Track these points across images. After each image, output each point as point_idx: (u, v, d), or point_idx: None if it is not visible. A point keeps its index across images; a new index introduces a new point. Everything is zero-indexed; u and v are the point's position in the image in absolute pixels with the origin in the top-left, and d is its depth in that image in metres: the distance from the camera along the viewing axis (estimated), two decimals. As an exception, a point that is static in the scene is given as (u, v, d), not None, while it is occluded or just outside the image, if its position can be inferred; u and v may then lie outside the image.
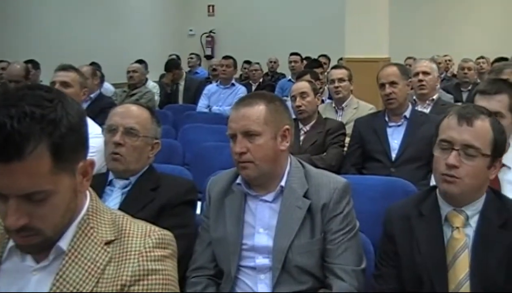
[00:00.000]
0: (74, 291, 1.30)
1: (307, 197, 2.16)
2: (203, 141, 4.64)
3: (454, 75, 8.96)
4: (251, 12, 12.60)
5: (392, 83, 3.86)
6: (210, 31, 13.37)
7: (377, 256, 2.18)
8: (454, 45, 10.86)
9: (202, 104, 6.88)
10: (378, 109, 4.55)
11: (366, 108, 4.81)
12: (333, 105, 4.99)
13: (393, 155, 3.77)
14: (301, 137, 4.17)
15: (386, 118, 3.91)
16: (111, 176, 2.53)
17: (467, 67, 7.32)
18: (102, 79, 6.61)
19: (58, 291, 1.31)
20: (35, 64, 7.40)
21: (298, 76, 5.57)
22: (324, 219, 2.14)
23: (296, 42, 10.41)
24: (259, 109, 2.17)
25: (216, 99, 6.89)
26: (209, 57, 12.67)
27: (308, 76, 5.31)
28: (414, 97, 4.75)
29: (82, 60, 6.28)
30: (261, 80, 9.15)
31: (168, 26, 12.56)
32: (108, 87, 7.81)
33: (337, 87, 4.88)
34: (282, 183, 2.19)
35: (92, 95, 5.25)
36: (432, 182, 2.54)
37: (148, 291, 1.32)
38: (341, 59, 8.16)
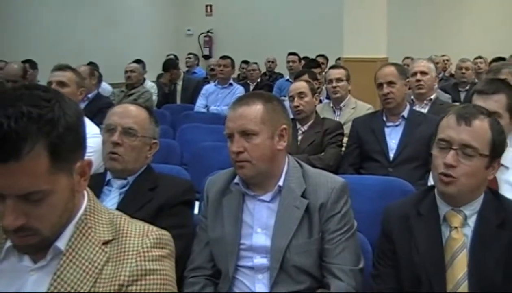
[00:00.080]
0: (72, 291, 1.30)
1: (305, 196, 2.16)
2: (201, 141, 4.64)
3: (452, 75, 8.97)
4: (249, 12, 12.59)
5: (390, 83, 3.86)
6: (208, 31, 13.36)
7: (375, 255, 2.18)
8: (452, 45, 10.87)
9: (200, 104, 6.87)
10: (376, 109, 4.55)
11: (364, 108, 4.81)
12: (331, 105, 4.99)
13: (391, 155, 3.77)
14: (299, 137, 4.17)
15: (384, 118, 3.91)
16: (109, 176, 2.53)
17: (465, 67, 7.33)
18: (100, 79, 6.60)
19: (55, 291, 1.30)
20: (32, 64, 7.40)
21: (296, 76, 5.57)
22: (322, 218, 2.14)
23: (294, 42, 10.41)
24: (256, 108, 2.18)
25: (214, 99, 6.88)
26: (207, 57, 12.67)
27: (306, 76, 5.31)
28: (412, 97, 4.76)
29: (80, 60, 6.28)
30: (259, 80, 9.15)
31: (166, 26, 12.55)
32: (106, 87, 7.80)
33: (335, 87, 4.88)
34: (280, 183, 2.19)
35: (90, 95, 5.25)
36: (430, 182, 2.54)
37: (146, 291, 1.32)
38: (339, 59, 8.17)
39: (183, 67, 9.78)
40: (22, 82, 5.07)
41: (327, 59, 9.77)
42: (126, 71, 7.17)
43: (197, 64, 11.03)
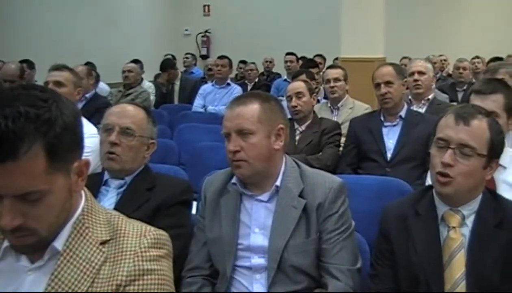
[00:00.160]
0: (69, 291, 1.30)
1: (303, 196, 2.16)
2: (198, 141, 4.63)
3: (449, 75, 8.98)
4: (247, 12, 12.60)
5: (388, 83, 3.86)
6: (206, 31, 13.36)
7: (373, 255, 2.18)
8: (449, 45, 10.88)
9: (197, 104, 6.88)
10: (373, 109, 4.55)
11: (361, 108, 4.81)
12: (329, 105, 5.00)
13: (389, 155, 3.77)
14: (297, 137, 4.17)
15: (382, 118, 3.91)
16: (106, 176, 2.52)
17: (462, 67, 7.34)
18: (97, 79, 6.60)
19: (53, 291, 1.30)
20: (30, 64, 7.38)
21: (294, 76, 5.57)
22: (320, 218, 2.14)
23: (292, 42, 10.42)
24: (253, 108, 2.18)
25: (211, 99, 6.88)
26: (204, 57, 12.67)
27: (303, 76, 5.31)
28: (410, 97, 4.76)
29: (77, 60, 6.27)
30: (256, 80, 9.16)
31: (164, 26, 12.55)
32: (103, 87, 7.80)
33: (332, 87, 4.88)
34: (278, 183, 2.19)
35: (87, 95, 5.25)
36: (428, 182, 2.54)
37: (144, 291, 1.32)
38: (336, 59, 8.17)
39: (180, 67, 9.77)
40: (20, 82, 5.06)
41: (324, 59, 9.78)
42: (123, 71, 7.17)
43: (195, 64, 11.03)
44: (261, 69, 10.06)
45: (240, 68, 10.29)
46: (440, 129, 2.00)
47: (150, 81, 8.71)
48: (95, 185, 2.41)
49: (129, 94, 6.96)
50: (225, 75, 7.12)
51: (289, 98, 4.22)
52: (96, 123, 2.96)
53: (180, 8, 13.11)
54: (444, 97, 5.53)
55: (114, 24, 10.63)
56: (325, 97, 5.62)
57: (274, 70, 10.34)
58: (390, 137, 3.83)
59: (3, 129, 1.19)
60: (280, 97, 5.98)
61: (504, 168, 2.46)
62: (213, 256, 2.24)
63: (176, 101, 8.02)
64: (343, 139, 4.17)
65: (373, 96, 4.17)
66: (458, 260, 1.93)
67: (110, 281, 1.32)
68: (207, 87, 7.09)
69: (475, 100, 2.59)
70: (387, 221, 2.09)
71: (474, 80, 7.10)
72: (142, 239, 1.37)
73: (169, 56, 10.01)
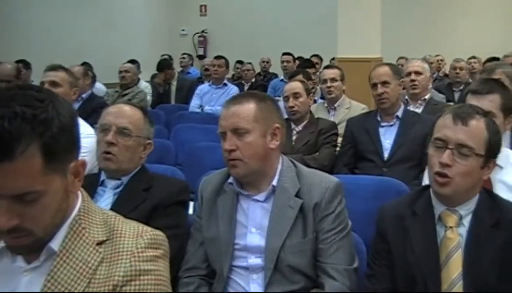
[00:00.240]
0: (66, 292, 1.30)
1: (299, 196, 2.16)
2: (195, 141, 4.63)
3: (446, 75, 9.00)
4: (244, 12, 12.60)
5: (384, 83, 3.87)
6: (203, 31, 13.36)
7: (370, 255, 2.18)
8: (446, 45, 10.90)
9: (194, 104, 6.87)
10: (370, 109, 4.56)
11: (358, 108, 4.81)
12: (326, 105, 5.00)
13: (385, 155, 3.77)
14: (294, 137, 4.17)
15: (378, 118, 3.91)
16: (103, 176, 2.52)
17: (459, 67, 7.36)
18: (93, 79, 6.58)
19: (49, 292, 1.30)
20: (26, 64, 7.38)
21: (291, 76, 5.58)
22: (316, 218, 2.14)
23: (289, 42, 10.42)
24: (249, 107, 2.18)
25: (208, 99, 6.88)
26: (201, 57, 12.66)
27: (300, 76, 5.32)
28: (406, 97, 4.77)
29: (74, 60, 6.27)
30: (253, 80, 9.15)
31: (161, 26, 12.53)
32: (100, 87, 7.78)
33: (329, 87, 4.88)
34: (274, 183, 2.19)
35: (83, 95, 5.25)
36: (424, 182, 2.55)
37: (140, 292, 1.32)
38: (333, 59, 8.18)
39: (177, 67, 9.78)
40: (16, 83, 5.05)
41: (321, 59, 9.78)
42: (120, 71, 7.16)
43: (192, 64, 11.03)
44: (257, 70, 10.06)
45: (237, 68, 10.29)
46: (437, 129, 2.00)
47: (147, 81, 8.71)
48: (92, 185, 2.41)
49: (125, 94, 6.95)
50: (222, 76, 7.12)
51: (286, 99, 4.21)
52: (92, 124, 2.96)
53: (177, 8, 13.11)
54: (440, 97, 5.54)
55: (111, 25, 10.62)
56: (322, 98, 5.63)
57: (271, 70, 10.34)
58: (387, 138, 3.84)
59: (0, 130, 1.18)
60: (277, 98, 5.97)
61: (501, 167, 2.46)
62: (210, 256, 2.24)
63: (173, 101, 8.02)
64: (340, 139, 4.17)
65: (370, 96, 4.17)
66: (455, 260, 1.93)
67: (106, 282, 1.31)
68: (203, 87, 7.08)
69: (472, 100, 2.60)
70: (384, 221, 2.09)
71: (470, 80, 7.10)
72: (139, 239, 1.37)
73: (166, 56, 10.01)
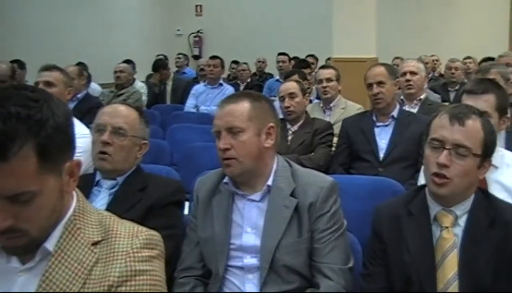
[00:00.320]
0: (61, 292, 1.29)
1: (294, 196, 2.16)
2: (191, 141, 4.63)
3: (441, 75, 9.01)
4: (239, 12, 12.60)
5: (380, 83, 3.87)
6: (198, 31, 13.35)
7: (365, 255, 2.18)
8: (441, 45, 10.90)
9: (189, 104, 6.87)
10: (366, 109, 4.56)
11: (354, 108, 4.82)
12: (321, 105, 5.00)
13: (381, 155, 3.78)
14: (289, 138, 4.17)
15: (374, 118, 3.92)
16: (98, 177, 2.52)
17: (454, 67, 7.37)
18: (89, 79, 6.58)
19: (44, 292, 1.29)
20: (20, 64, 7.36)
21: (286, 76, 5.57)
22: (311, 218, 2.14)
23: (284, 42, 10.43)
24: (243, 106, 2.18)
25: (203, 99, 6.88)
26: (196, 57, 12.64)
27: (296, 76, 5.31)
28: (402, 97, 4.77)
29: (69, 60, 6.25)
30: (249, 80, 9.16)
31: (156, 26, 12.52)
32: (95, 87, 7.78)
33: (325, 87, 4.88)
34: (269, 182, 2.19)
35: (79, 95, 5.24)
36: (420, 182, 2.55)
37: (136, 292, 1.31)
38: (328, 59, 8.18)
39: (173, 68, 9.75)
40: (11, 83, 5.04)
41: (317, 59, 9.78)
42: (115, 72, 7.14)
43: (187, 65, 11.00)
44: (253, 70, 10.05)
45: (233, 68, 10.28)
46: (434, 130, 2.00)
47: (142, 81, 8.69)
48: (87, 185, 2.41)
49: (121, 94, 6.94)
50: (217, 76, 7.12)
51: (282, 99, 4.21)
52: (87, 124, 2.95)
53: (172, 8, 13.09)
54: (436, 97, 5.55)
55: (106, 25, 10.61)
56: (318, 98, 5.63)
57: (266, 70, 10.34)
58: (382, 138, 3.84)
59: (-6, 130, 1.18)
60: (273, 98, 5.99)
61: (496, 167, 2.47)
62: (206, 256, 2.23)
63: (168, 101, 8.01)
64: (335, 139, 4.18)
65: (365, 96, 4.18)
66: (450, 260, 1.94)
67: (101, 282, 1.31)
68: (199, 87, 7.08)
69: (467, 100, 2.60)
70: (379, 220, 2.09)
71: (466, 80, 7.11)
72: (134, 240, 1.37)
73: (161, 57, 10.00)
